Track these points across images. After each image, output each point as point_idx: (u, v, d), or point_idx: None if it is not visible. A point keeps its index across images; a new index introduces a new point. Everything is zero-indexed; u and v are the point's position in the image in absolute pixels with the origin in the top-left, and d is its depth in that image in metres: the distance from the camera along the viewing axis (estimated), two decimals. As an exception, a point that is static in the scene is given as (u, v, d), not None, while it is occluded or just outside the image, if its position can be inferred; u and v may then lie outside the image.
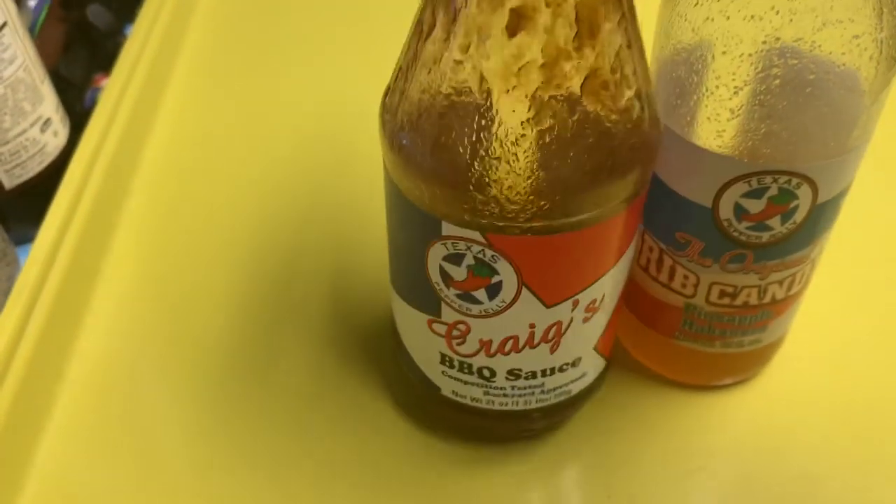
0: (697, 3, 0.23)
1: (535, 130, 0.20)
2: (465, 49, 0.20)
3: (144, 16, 0.46)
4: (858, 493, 0.29)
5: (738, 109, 0.23)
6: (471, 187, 0.21)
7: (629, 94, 0.21)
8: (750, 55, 0.22)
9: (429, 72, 0.21)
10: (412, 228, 0.24)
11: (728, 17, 0.22)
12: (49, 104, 0.38)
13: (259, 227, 0.38)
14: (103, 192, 0.37)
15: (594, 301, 0.25)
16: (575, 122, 0.21)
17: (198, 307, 0.35)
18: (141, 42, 0.44)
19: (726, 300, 0.28)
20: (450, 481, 0.29)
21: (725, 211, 0.25)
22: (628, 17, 0.21)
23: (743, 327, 0.29)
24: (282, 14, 0.52)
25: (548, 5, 0.19)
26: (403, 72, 0.23)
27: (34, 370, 0.30)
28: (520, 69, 0.20)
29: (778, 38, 0.21)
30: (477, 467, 0.30)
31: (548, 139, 0.21)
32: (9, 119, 0.36)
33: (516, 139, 0.21)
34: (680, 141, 0.24)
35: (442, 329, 0.26)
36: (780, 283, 0.27)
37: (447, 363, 0.27)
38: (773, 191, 0.24)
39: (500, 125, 0.20)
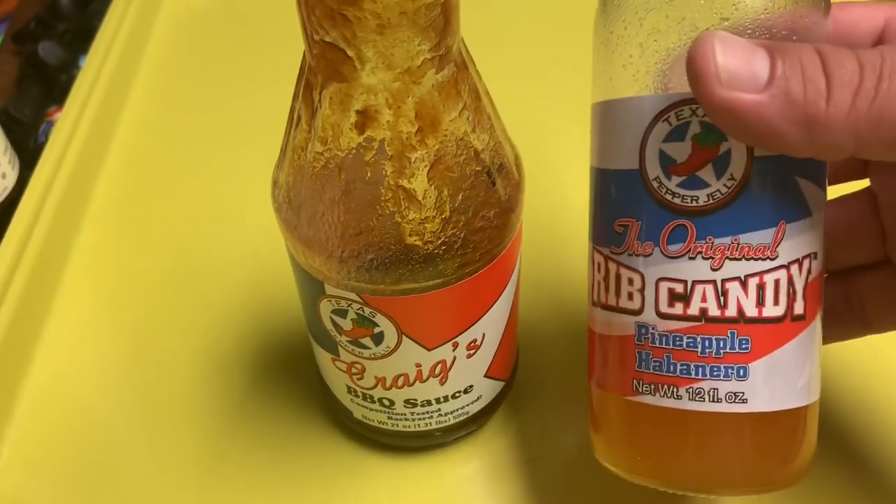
0: None
1: (388, 212, 0.23)
2: (325, 142, 0.23)
3: (96, 50, 0.48)
4: None
5: (646, 40, 0.22)
6: (339, 260, 0.24)
7: (477, 171, 0.24)
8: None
9: (298, 157, 0.24)
10: (304, 284, 0.27)
11: None
12: (-3, 147, 0.41)
13: (209, 261, 0.41)
14: (53, 231, 0.40)
15: (474, 340, 0.28)
16: (425, 203, 0.23)
17: (149, 342, 0.38)
18: (93, 77, 0.47)
19: (679, 307, 0.23)
20: (371, 484, 0.33)
21: (652, 166, 0.23)
22: (470, 105, 0.23)
23: (711, 360, 0.23)
24: (236, 48, 0.54)
25: (389, 107, 0.22)
26: (283, 151, 0.25)
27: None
28: (370, 160, 0.23)
29: None
30: (403, 476, 0.33)
31: (401, 220, 0.23)
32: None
33: (373, 221, 0.23)
34: (604, 108, 0.24)
35: (343, 366, 0.29)
36: (744, 283, 0.23)
37: (353, 393, 0.30)
38: (695, 126, 0.22)
39: (356, 209, 0.23)
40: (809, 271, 0.23)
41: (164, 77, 0.52)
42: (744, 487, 0.24)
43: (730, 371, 0.23)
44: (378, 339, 0.27)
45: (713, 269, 0.22)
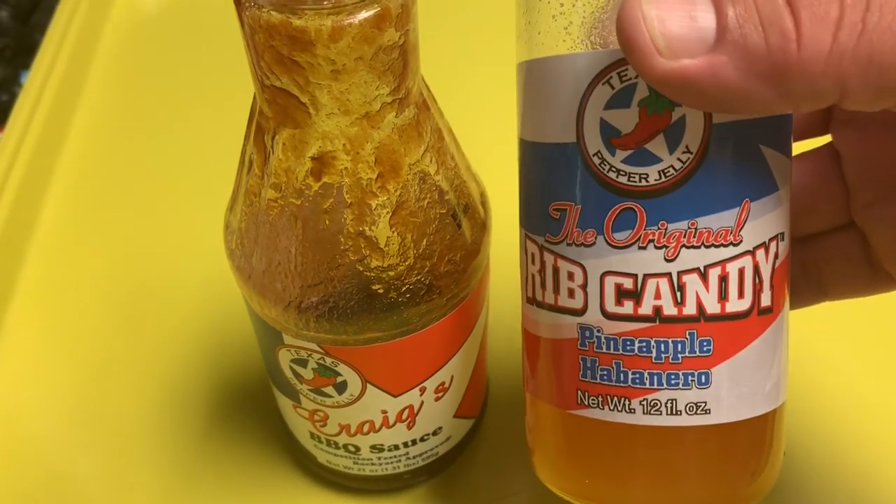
0: None
1: (349, 261, 0.22)
2: (279, 188, 0.21)
3: (39, 66, 0.46)
4: None
5: None
6: (298, 310, 0.23)
7: (442, 213, 0.23)
8: None
9: (251, 203, 0.22)
10: (261, 333, 0.26)
11: None
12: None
13: (163, 293, 0.39)
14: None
15: (442, 384, 0.27)
16: (388, 251, 0.22)
17: (100, 382, 0.36)
18: (36, 95, 0.44)
19: (629, 305, 0.20)
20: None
21: (592, 139, 0.19)
22: (433, 146, 0.22)
23: (667, 367, 0.20)
24: (190, 59, 0.52)
25: (346, 153, 0.20)
26: (235, 194, 0.24)
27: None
28: (328, 208, 0.21)
29: None
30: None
31: (363, 268, 0.22)
32: None
33: (333, 270, 0.22)
34: (531, 69, 0.20)
35: (305, 413, 0.28)
36: (703, 275, 0.19)
37: (316, 440, 0.29)
38: (643, 90, 0.18)
39: (315, 258, 0.22)
40: (776, 255, 0.20)
41: (112, 94, 0.50)
42: None
43: (690, 378, 0.20)
44: (341, 387, 0.25)
45: (667, 260, 0.19)
